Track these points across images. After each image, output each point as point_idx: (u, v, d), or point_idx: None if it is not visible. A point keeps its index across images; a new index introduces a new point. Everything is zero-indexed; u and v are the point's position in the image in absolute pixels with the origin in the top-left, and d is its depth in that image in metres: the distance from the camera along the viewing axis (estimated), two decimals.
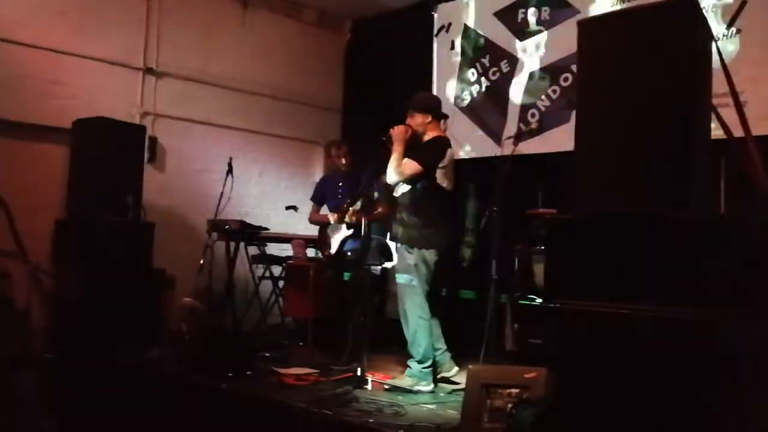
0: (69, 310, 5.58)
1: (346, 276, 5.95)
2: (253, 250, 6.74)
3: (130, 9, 6.83)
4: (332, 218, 6.16)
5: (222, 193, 5.99)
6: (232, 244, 6.35)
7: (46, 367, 5.39)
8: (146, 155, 6.57)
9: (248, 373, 4.79)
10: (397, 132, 4.81)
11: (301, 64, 8.16)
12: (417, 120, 4.86)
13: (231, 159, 6.21)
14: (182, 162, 7.13)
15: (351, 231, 5.98)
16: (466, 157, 6.96)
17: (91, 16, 6.53)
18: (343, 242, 6.06)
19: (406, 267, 4.64)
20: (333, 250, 6.10)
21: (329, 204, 6.56)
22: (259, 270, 6.81)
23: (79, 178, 5.97)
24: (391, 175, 4.76)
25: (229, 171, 6.15)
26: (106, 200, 5.80)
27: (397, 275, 4.75)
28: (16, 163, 5.97)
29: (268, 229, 6.61)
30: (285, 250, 6.87)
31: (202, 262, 5.88)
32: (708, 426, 2.52)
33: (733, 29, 5.23)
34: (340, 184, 6.51)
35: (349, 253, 5.99)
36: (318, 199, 6.67)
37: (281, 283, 6.72)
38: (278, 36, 7.99)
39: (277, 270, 6.79)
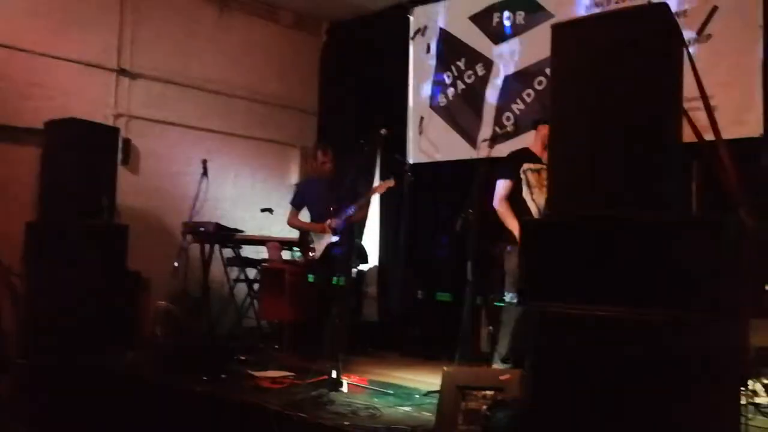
0: (41, 314, 5.51)
1: (336, 281, 5.92)
2: (228, 252, 6.71)
3: (105, 10, 6.77)
4: (319, 228, 6.14)
5: (197, 195, 5.95)
6: (207, 247, 6.32)
7: (18, 372, 5.33)
8: (120, 157, 6.50)
9: (223, 376, 4.76)
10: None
11: (278, 66, 8.15)
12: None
13: (206, 161, 6.19)
14: (157, 164, 7.08)
15: (338, 237, 5.98)
16: (442, 159, 6.99)
17: (65, 16, 6.47)
18: (330, 247, 6.03)
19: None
20: (318, 254, 6.09)
21: (311, 208, 6.50)
22: (234, 273, 6.79)
23: (51, 180, 5.90)
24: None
25: (204, 173, 6.12)
26: (79, 202, 5.73)
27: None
28: None
29: (243, 232, 6.60)
30: (260, 252, 6.85)
31: (176, 264, 5.85)
32: (680, 427, 2.55)
33: (705, 35, 5.31)
34: (325, 189, 6.39)
35: (336, 257, 5.97)
36: (298, 203, 6.58)
37: (256, 286, 6.69)
38: (254, 38, 7.97)
39: (252, 272, 6.77)
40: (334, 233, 6.01)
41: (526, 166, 4.78)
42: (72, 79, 6.49)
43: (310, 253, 6.15)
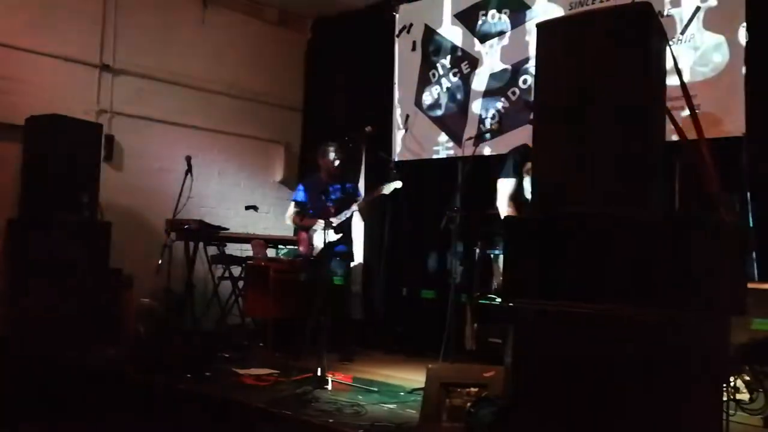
0: (23, 312, 5.47)
1: (338, 280, 5.86)
2: (212, 250, 6.68)
3: (86, 5, 6.72)
4: (320, 225, 6.05)
5: (181, 192, 5.92)
6: (191, 244, 6.29)
7: None
8: (103, 153, 6.46)
9: (207, 373, 4.75)
10: None
11: (262, 62, 8.12)
12: None
13: (190, 158, 6.14)
14: (140, 160, 7.04)
15: (339, 235, 5.94)
16: (427, 157, 7.00)
17: (47, 11, 6.42)
18: (328, 246, 5.96)
19: None
20: (316, 251, 6.02)
21: (313, 207, 6.36)
22: (219, 270, 6.76)
23: (33, 177, 5.86)
24: None
25: (188, 170, 6.08)
26: (62, 199, 5.70)
27: None
28: None
29: (227, 229, 6.57)
30: (245, 250, 6.82)
31: (160, 262, 5.81)
32: (674, 425, 2.56)
33: (688, 34, 5.35)
34: (326, 187, 6.15)
35: (338, 258, 5.92)
36: (301, 200, 6.30)
37: (241, 284, 6.67)
38: (239, 34, 7.94)
39: (236, 270, 6.74)
40: (336, 232, 5.97)
41: (529, 164, 4.59)
42: (54, 74, 6.44)
43: (301, 248, 6.10)
